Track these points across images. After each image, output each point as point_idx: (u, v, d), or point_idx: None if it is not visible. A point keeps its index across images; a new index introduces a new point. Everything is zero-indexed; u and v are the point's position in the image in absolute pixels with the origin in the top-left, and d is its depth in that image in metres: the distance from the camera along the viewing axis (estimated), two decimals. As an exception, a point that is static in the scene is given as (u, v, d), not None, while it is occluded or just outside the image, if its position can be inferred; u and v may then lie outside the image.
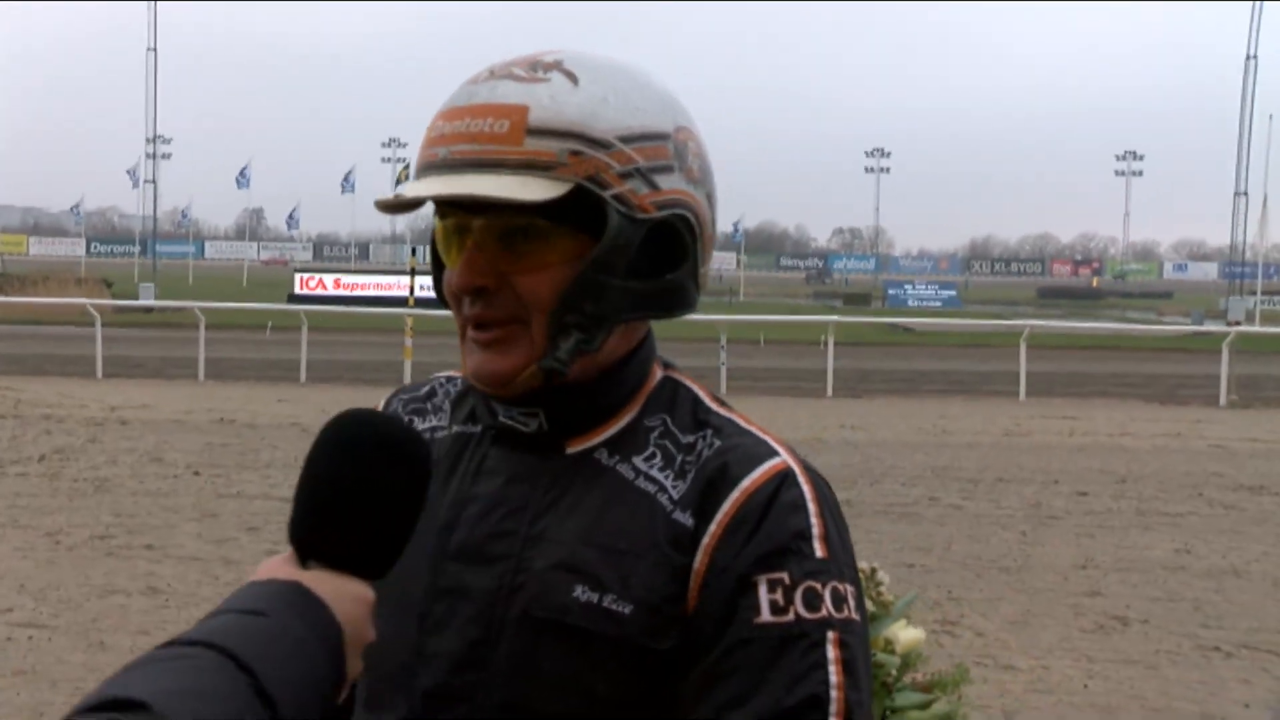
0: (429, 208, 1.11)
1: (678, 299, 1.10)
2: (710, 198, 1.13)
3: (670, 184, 1.08)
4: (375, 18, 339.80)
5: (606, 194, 1.04)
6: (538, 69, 1.06)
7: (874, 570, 1.30)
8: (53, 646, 5.51)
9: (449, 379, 1.25)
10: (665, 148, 1.08)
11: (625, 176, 1.05)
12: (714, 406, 1.14)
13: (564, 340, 1.06)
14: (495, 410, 1.13)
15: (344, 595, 0.89)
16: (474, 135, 1.04)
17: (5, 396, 14.26)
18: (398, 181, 71.21)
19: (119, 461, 10.24)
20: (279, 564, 0.92)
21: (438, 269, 1.16)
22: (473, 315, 1.08)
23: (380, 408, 1.24)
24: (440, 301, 1.15)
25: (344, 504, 0.91)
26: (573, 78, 1.05)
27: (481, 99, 1.05)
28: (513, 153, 1.03)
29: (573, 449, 1.11)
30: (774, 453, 1.08)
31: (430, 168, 1.07)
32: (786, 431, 11.89)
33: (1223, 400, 17.36)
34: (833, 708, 0.99)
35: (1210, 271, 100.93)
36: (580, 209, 1.05)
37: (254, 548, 7.38)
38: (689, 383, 1.16)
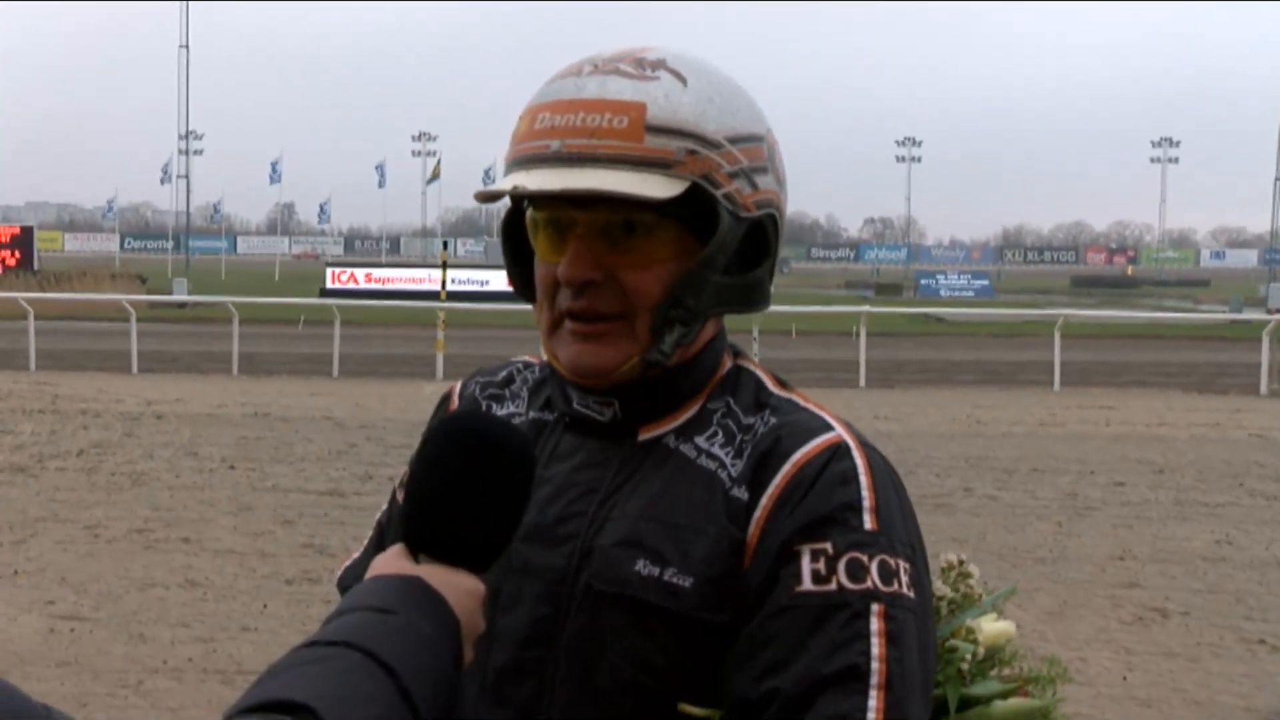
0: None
1: (759, 294, 1.14)
2: (786, 197, 1.17)
3: (765, 184, 1.12)
4: (405, 12, 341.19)
5: (718, 193, 1.07)
6: (644, 67, 1.08)
7: (962, 562, 1.29)
8: (94, 638, 5.58)
9: (526, 365, 1.27)
10: (761, 149, 1.12)
11: (733, 176, 1.09)
12: (775, 389, 1.17)
13: (669, 334, 1.09)
14: (570, 397, 1.15)
15: (457, 588, 0.92)
16: (592, 130, 1.05)
17: (43, 392, 14.45)
18: (432, 176, 71.23)
19: (155, 455, 10.33)
20: (393, 558, 0.94)
21: (513, 260, 1.17)
22: (577, 308, 1.09)
23: (457, 390, 1.28)
24: (521, 293, 1.16)
25: (455, 500, 0.94)
26: (681, 78, 1.08)
27: (592, 93, 1.06)
28: (634, 149, 1.05)
29: (644, 436, 1.14)
30: (828, 427, 1.10)
31: (541, 160, 1.07)
32: (819, 423, 11.84)
33: (1263, 389, 17.06)
34: (874, 679, 0.98)
35: (1250, 259, 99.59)
36: (685, 206, 1.07)
37: (289, 540, 7.44)
38: (754, 368, 1.19)
